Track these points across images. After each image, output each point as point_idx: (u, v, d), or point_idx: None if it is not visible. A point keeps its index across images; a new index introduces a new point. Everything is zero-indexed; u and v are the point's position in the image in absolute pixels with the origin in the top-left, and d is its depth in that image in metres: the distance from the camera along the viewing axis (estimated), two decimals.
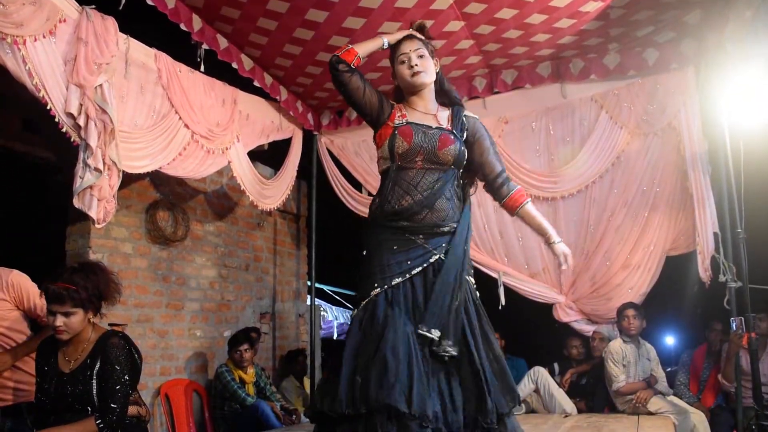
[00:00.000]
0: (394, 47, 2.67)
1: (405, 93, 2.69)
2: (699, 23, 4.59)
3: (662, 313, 6.08)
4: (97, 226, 3.56)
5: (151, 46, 4.13)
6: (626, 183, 5.13)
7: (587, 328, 5.33)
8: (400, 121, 2.57)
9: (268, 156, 5.85)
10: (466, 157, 2.61)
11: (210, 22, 4.47)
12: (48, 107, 3.28)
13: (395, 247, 2.49)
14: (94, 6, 3.55)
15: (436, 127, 2.58)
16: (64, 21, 3.36)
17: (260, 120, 5.29)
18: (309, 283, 6.66)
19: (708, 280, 4.66)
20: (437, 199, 2.51)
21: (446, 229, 2.52)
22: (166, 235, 5.06)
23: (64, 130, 3.39)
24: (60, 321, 2.66)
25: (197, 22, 4.39)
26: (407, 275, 2.46)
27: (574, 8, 4.29)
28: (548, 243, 2.64)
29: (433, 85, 2.67)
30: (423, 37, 2.69)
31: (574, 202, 5.30)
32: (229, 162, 4.80)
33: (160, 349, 4.99)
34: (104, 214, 3.53)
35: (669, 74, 4.94)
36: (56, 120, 3.35)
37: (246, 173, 5.04)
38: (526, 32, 4.63)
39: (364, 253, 2.58)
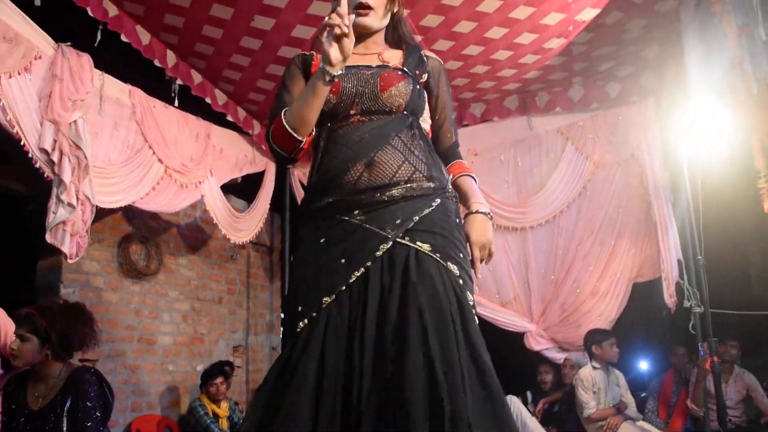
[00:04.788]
0: None
1: None
2: (657, 57, 4.80)
3: (633, 339, 6.18)
4: (69, 261, 3.56)
5: (127, 78, 4.17)
6: (593, 212, 5.27)
7: (558, 356, 5.40)
8: None
9: (241, 188, 5.88)
10: (424, 101, 1.88)
11: (184, 57, 4.54)
12: (22, 143, 3.30)
13: (323, 240, 1.69)
14: (70, 43, 3.59)
15: (378, 66, 1.84)
16: (40, 58, 3.40)
17: (234, 154, 5.34)
18: (284, 326, 6.62)
19: (673, 305, 4.78)
20: (376, 148, 1.69)
21: (397, 192, 1.67)
22: (139, 268, 5.04)
23: (37, 165, 3.41)
24: (15, 344, 2.69)
25: (171, 58, 4.45)
26: (342, 287, 1.62)
27: (538, 45, 4.45)
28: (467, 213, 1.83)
29: (383, 32, 1.94)
30: None
31: (542, 231, 5.42)
32: (202, 196, 4.83)
33: (131, 384, 4.93)
34: (77, 249, 3.53)
35: (630, 106, 5.15)
36: (30, 155, 3.36)
37: (219, 207, 5.07)
38: (492, 68, 4.78)
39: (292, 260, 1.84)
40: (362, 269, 1.62)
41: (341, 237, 1.67)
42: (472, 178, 1.91)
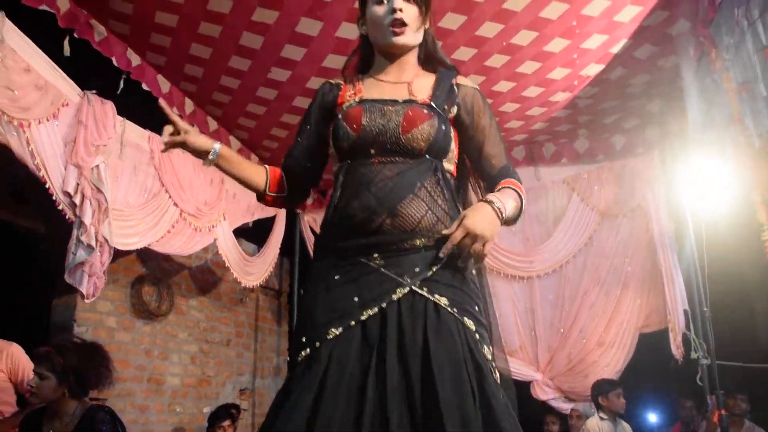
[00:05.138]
0: None
1: (375, 52, 1.87)
2: (661, 111, 4.92)
3: (640, 390, 6.16)
4: (86, 301, 3.65)
5: (147, 125, 4.31)
6: (599, 262, 5.32)
7: (565, 406, 5.39)
8: (350, 102, 1.79)
9: (252, 232, 5.98)
10: (450, 141, 1.78)
11: (201, 105, 4.71)
12: (46, 185, 3.42)
13: (337, 277, 1.65)
14: (95, 91, 3.75)
15: (405, 101, 1.75)
16: (67, 105, 3.56)
17: (246, 198, 5.46)
18: (289, 359, 6.66)
19: (680, 357, 4.79)
20: (401, 199, 1.64)
21: (419, 242, 1.63)
22: (151, 309, 5.11)
23: (60, 207, 3.52)
24: (34, 381, 2.75)
25: (189, 106, 4.63)
26: (351, 321, 1.58)
27: (545, 98, 4.59)
28: None
29: (416, 50, 1.86)
30: None
31: (549, 280, 5.48)
32: (215, 239, 4.93)
33: (139, 424, 4.94)
34: (94, 290, 3.62)
35: (635, 158, 5.26)
36: (53, 198, 3.48)
37: (231, 250, 5.16)
38: (500, 119, 4.91)
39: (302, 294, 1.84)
40: (376, 309, 1.57)
41: (357, 276, 1.62)
42: (515, 191, 1.77)
